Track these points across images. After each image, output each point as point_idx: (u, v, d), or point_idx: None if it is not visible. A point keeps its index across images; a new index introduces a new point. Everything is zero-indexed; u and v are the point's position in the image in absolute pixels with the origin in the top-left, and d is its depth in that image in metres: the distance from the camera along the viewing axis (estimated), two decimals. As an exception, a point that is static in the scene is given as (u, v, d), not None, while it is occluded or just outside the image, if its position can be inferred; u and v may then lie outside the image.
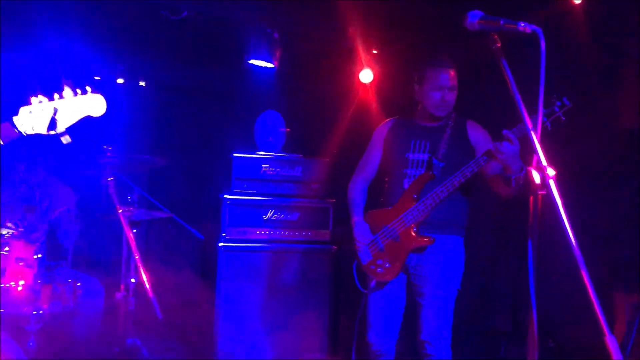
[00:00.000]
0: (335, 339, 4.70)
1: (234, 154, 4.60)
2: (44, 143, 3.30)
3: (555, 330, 3.94)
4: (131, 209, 3.27)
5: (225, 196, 4.55)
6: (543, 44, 1.69)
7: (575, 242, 1.68)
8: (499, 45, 1.77)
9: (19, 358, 2.78)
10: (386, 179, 3.35)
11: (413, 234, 3.09)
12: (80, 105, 1.71)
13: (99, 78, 5.79)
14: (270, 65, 4.73)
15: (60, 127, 1.68)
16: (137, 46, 5.68)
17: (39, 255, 3.01)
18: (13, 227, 2.94)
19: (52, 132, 1.68)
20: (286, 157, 4.71)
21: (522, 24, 1.71)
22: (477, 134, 3.20)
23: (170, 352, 4.61)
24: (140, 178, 3.78)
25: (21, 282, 2.91)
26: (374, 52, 4.97)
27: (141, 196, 3.78)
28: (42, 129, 1.67)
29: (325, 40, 5.09)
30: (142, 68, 5.89)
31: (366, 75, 4.97)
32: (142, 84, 5.85)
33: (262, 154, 4.69)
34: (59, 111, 1.67)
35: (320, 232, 4.69)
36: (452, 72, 3.11)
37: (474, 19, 1.81)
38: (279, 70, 4.87)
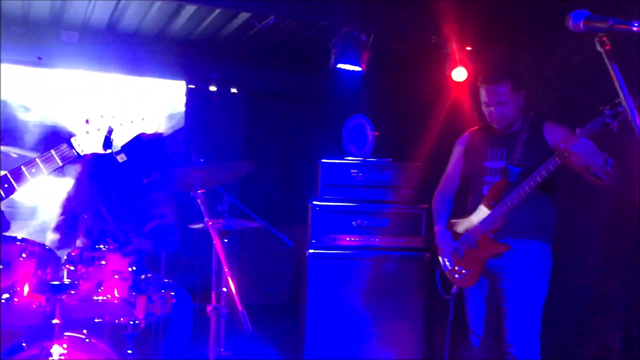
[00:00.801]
0: (429, 347, 4.55)
1: (322, 160, 4.55)
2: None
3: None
4: (221, 220, 3.29)
5: (313, 202, 4.51)
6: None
7: None
8: (608, 47, 1.57)
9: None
10: (469, 187, 3.39)
11: (490, 240, 3.13)
12: (134, 123, 1.74)
13: (193, 86, 5.95)
14: (358, 68, 4.62)
15: (115, 147, 1.73)
16: (228, 54, 5.79)
17: (134, 268, 3.08)
18: (110, 241, 3.03)
19: (107, 151, 1.72)
20: (375, 162, 4.60)
21: (637, 24, 1.50)
22: (554, 134, 3.10)
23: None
24: (232, 185, 3.79)
25: (117, 294, 2.98)
26: (468, 49, 4.73)
27: (232, 204, 3.78)
28: (98, 148, 1.71)
29: (415, 39, 4.91)
30: (233, 75, 6.00)
31: (460, 74, 4.74)
32: (233, 91, 5.96)
33: (350, 159, 4.60)
34: (113, 131, 1.71)
35: (413, 238, 4.55)
36: (500, 88, 3.09)
37: (578, 20, 1.62)
38: (367, 73, 4.75)
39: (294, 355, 4.60)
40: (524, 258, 3.12)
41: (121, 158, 1.75)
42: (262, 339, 4.87)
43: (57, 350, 2.71)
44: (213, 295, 3.34)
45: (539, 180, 2.90)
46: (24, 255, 2.85)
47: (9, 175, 1.59)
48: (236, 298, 2.91)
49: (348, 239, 4.50)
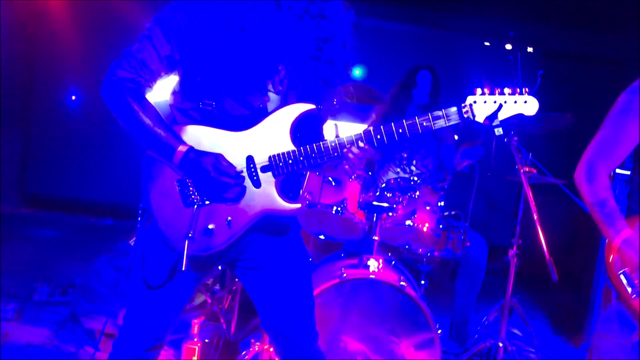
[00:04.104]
0: None
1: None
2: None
3: None
4: (532, 170, 3.28)
5: (617, 171, 4.22)
6: None
7: None
8: None
9: (419, 295, 3.08)
10: None
11: None
12: (517, 103, 1.81)
13: (488, 44, 5.93)
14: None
15: (496, 121, 1.82)
16: (526, 11, 5.61)
17: (442, 204, 3.26)
18: (424, 174, 3.24)
19: (487, 122, 1.82)
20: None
21: None
22: None
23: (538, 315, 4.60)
24: (529, 143, 3.74)
25: (426, 225, 3.19)
26: None
27: (530, 160, 3.74)
28: (480, 119, 1.81)
29: None
30: (531, 34, 5.82)
31: None
32: (529, 50, 5.78)
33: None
34: (502, 109, 1.80)
35: None
36: None
37: None
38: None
39: (570, 335, 4.42)
40: None
41: (497, 132, 1.85)
42: (534, 306, 4.79)
43: (373, 264, 3.00)
44: (515, 243, 3.37)
45: None
46: (353, 176, 3.21)
47: (404, 123, 1.81)
48: (544, 247, 2.90)
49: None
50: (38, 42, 6.31)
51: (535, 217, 3.02)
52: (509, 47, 5.94)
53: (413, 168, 3.69)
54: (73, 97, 6.34)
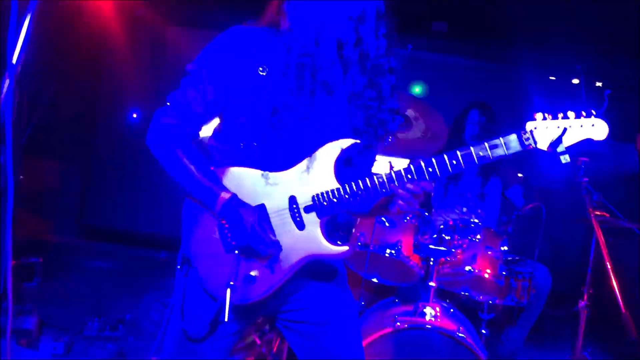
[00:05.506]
0: None
1: None
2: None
3: None
4: (604, 214, 3.03)
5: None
6: None
7: None
8: None
9: (480, 346, 2.86)
10: None
11: None
12: (583, 127, 1.62)
13: (553, 78, 5.70)
14: None
15: (561, 147, 1.63)
16: (593, 44, 5.36)
17: (505, 248, 3.05)
18: (484, 216, 3.05)
19: (550, 150, 1.63)
20: None
21: None
22: None
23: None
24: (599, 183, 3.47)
25: (488, 270, 2.99)
26: None
27: (600, 202, 3.48)
28: (543, 146, 1.64)
29: None
30: (600, 67, 5.54)
31: None
32: (598, 84, 5.50)
33: None
34: (566, 131, 1.62)
35: None
36: None
37: None
38: None
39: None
40: None
41: (564, 159, 1.66)
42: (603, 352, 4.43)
43: (429, 311, 2.82)
44: (586, 292, 3.10)
45: None
46: (408, 217, 3.05)
47: (459, 154, 1.65)
48: (620, 300, 2.65)
49: None
50: (103, 79, 6.49)
51: (609, 266, 2.78)
52: (575, 81, 5.71)
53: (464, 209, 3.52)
54: (134, 115, 6.45)
